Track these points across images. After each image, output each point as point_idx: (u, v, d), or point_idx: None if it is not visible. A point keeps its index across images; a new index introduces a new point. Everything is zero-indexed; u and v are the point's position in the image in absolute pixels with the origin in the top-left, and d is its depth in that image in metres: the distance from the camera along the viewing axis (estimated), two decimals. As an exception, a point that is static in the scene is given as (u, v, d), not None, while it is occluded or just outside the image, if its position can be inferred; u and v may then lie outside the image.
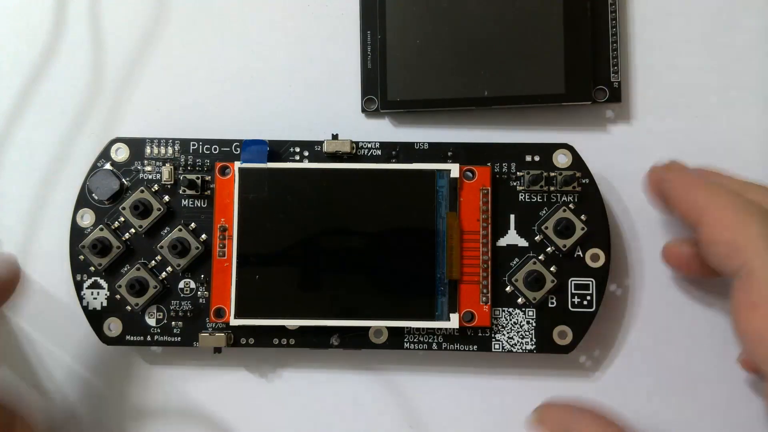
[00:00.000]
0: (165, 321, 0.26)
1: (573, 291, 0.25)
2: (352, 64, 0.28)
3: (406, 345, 0.25)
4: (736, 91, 0.27)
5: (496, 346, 0.25)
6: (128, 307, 0.26)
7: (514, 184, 0.25)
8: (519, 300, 0.25)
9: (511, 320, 0.25)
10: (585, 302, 0.24)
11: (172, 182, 0.26)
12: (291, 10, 0.29)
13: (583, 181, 0.25)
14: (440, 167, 0.25)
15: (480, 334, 0.25)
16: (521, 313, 0.25)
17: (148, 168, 0.26)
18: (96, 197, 0.26)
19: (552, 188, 0.25)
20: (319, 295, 0.25)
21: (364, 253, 0.25)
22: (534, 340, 0.25)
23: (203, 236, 0.26)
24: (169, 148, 0.26)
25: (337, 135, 0.26)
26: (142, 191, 0.26)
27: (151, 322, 0.26)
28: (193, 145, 0.26)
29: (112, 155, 0.26)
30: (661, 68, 0.27)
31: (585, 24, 0.26)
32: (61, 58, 0.29)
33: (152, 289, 0.25)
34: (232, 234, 0.25)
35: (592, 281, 0.25)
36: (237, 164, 0.25)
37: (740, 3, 0.27)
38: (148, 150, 0.26)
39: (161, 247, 0.25)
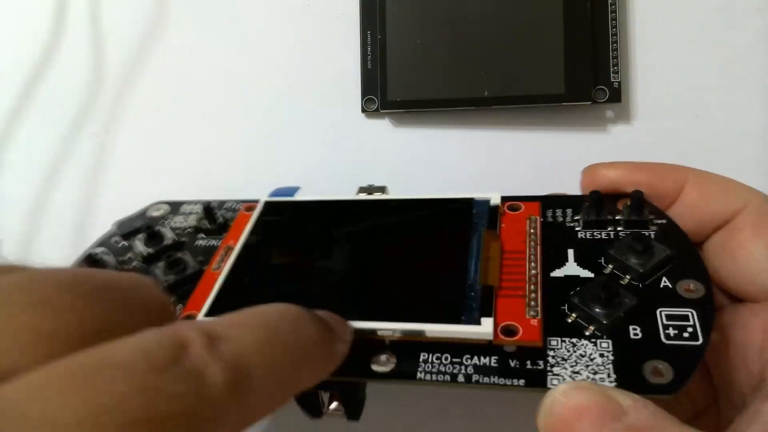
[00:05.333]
0: None
1: (665, 322, 0.17)
2: (352, 64, 0.28)
3: (420, 375, 0.17)
4: (736, 91, 0.27)
5: (555, 382, 0.16)
6: None
7: (571, 225, 0.21)
8: (586, 331, 0.18)
9: (575, 352, 0.17)
10: (686, 334, 0.17)
11: (194, 227, 0.24)
12: (291, 10, 0.29)
13: (658, 221, 0.20)
14: (478, 195, 0.22)
15: (528, 364, 0.17)
16: (590, 345, 0.17)
17: (179, 218, 0.25)
18: (117, 232, 0.25)
19: (619, 228, 0.20)
20: (314, 297, 0.20)
21: (378, 266, 0.21)
22: (613, 376, 0.16)
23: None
24: (200, 206, 0.25)
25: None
26: (161, 226, 0.24)
27: None
28: (229, 204, 0.25)
29: (150, 213, 0.25)
30: (661, 68, 0.27)
31: (585, 24, 0.26)
32: (61, 59, 0.29)
33: None
34: (235, 246, 0.22)
35: (692, 312, 0.18)
36: (263, 198, 0.24)
37: (740, 3, 0.27)
38: (184, 208, 0.25)
39: (158, 267, 0.22)
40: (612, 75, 0.26)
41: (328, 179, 0.28)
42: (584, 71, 0.26)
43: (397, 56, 0.27)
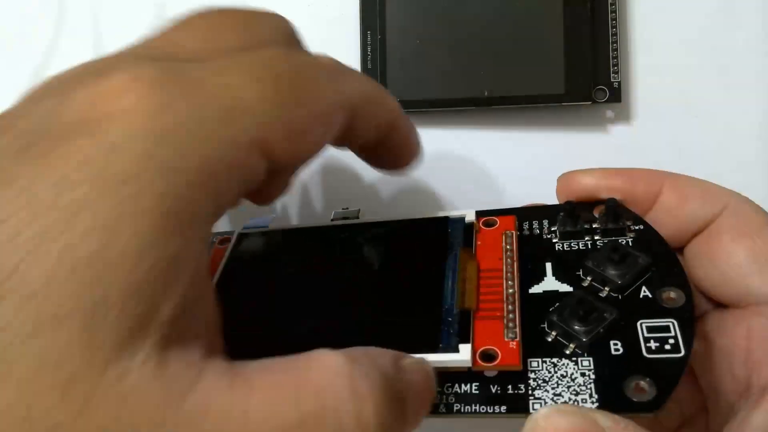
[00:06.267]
0: None
1: (646, 335, 0.17)
2: (352, 64, 0.28)
3: None
4: (736, 91, 0.27)
5: (537, 406, 0.16)
6: None
7: (548, 236, 0.20)
8: (567, 350, 0.17)
9: (556, 372, 0.17)
10: (667, 347, 0.16)
11: None
12: (291, 10, 0.29)
13: (636, 227, 0.19)
14: (452, 213, 0.21)
15: (510, 389, 0.17)
16: (571, 364, 0.17)
17: None
18: None
19: (597, 237, 0.20)
20: (290, 330, 0.19)
21: (355, 294, 0.20)
22: (595, 396, 0.16)
23: None
24: None
25: None
26: None
27: None
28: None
29: None
30: (661, 68, 0.27)
31: (585, 24, 0.26)
32: (61, 59, 0.29)
33: None
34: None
35: (673, 322, 0.17)
36: (237, 231, 0.23)
37: (740, 3, 0.27)
38: None
39: None
40: (612, 75, 0.26)
41: (327, 179, 0.28)
42: (584, 71, 0.26)
43: (397, 56, 0.27)
